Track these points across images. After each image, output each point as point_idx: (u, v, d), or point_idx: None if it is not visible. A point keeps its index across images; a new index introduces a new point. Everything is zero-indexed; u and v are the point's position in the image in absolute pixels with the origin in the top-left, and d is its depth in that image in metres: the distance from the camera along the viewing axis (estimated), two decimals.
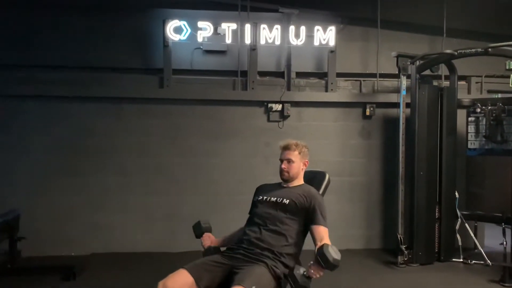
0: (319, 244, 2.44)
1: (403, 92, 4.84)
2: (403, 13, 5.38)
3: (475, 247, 4.96)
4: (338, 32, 5.34)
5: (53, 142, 5.07)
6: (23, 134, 5.03)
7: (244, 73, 5.29)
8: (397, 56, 4.77)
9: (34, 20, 5.04)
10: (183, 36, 5.09)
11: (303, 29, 5.21)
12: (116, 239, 5.14)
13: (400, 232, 4.80)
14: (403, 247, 4.71)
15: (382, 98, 5.43)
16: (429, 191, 4.87)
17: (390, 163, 5.33)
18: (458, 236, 4.99)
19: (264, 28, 5.18)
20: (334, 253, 2.22)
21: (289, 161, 2.78)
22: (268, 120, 5.37)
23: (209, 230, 2.83)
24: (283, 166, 2.78)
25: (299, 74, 5.44)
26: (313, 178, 2.97)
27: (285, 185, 2.81)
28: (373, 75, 5.49)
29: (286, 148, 2.81)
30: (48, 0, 5.00)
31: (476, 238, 4.96)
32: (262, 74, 5.41)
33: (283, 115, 5.35)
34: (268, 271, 2.33)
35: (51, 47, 5.03)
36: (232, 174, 5.29)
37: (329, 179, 2.99)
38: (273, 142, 5.39)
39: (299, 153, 2.81)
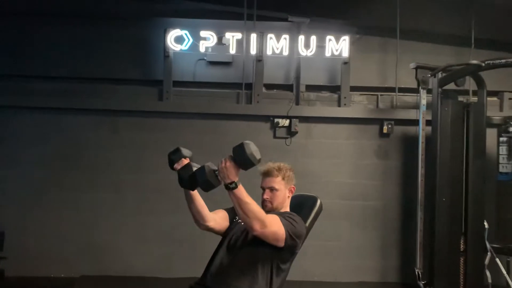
0: None
1: (423, 108, 4.32)
2: (425, 22, 4.88)
3: (508, 285, 4.32)
4: (353, 43, 4.91)
5: (45, 155, 4.84)
6: (15, 146, 4.83)
7: (249, 86, 4.93)
8: (416, 68, 4.28)
9: (29, 29, 4.88)
10: (184, 46, 4.79)
11: (313, 39, 4.81)
12: (108, 261, 4.81)
13: (418, 266, 4.23)
14: (421, 283, 4.14)
15: (401, 115, 4.93)
16: (452, 220, 4.28)
17: (410, 187, 4.76)
18: (487, 272, 4.36)
19: (271, 38, 4.81)
20: (253, 149, 1.91)
21: (272, 189, 2.32)
22: (274, 136, 4.96)
23: (188, 156, 2.25)
24: (265, 196, 2.32)
25: (309, 87, 5.03)
26: (301, 204, 2.52)
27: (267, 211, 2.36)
28: (391, 89, 5.00)
29: (266, 174, 2.34)
30: (44, 9, 4.82)
31: (508, 275, 4.32)
32: (269, 87, 5.03)
33: (290, 132, 4.92)
34: None
35: (46, 57, 4.85)
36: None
37: (320, 206, 2.53)
38: (279, 160, 4.94)
39: (283, 179, 2.35)
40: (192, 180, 2.07)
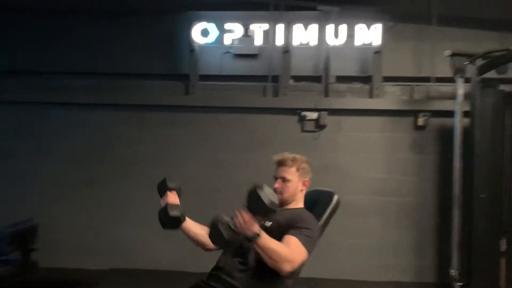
0: None
1: (460, 98, 4.03)
2: (463, 6, 4.55)
3: None
4: (386, 31, 4.66)
5: (76, 150, 4.95)
6: (46, 141, 4.96)
7: (276, 78, 4.80)
8: (452, 55, 3.98)
9: (59, 27, 4.98)
10: (210, 39, 4.73)
11: (343, 27, 4.61)
12: (137, 255, 4.86)
13: (454, 267, 3.97)
14: (457, 285, 3.88)
15: (437, 106, 4.64)
16: (492, 218, 3.99)
17: (447, 182, 4.44)
18: None
19: (298, 28, 4.66)
20: (270, 193, 1.72)
21: (284, 179, 2.23)
22: (302, 130, 4.81)
23: (175, 188, 2.26)
24: (275, 185, 2.23)
25: (339, 79, 4.82)
26: (316, 200, 2.39)
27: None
28: (427, 79, 4.72)
29: (280, 163, 2.26)
30: (73, 7, 4.90)
31: None
32: (297, 79, 4.87)
33: (318, 125, 4.75)
34: None
35: (76, 53, 4.94)
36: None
37: (337, 202, 2.37)
38: (306, 155, 4.78)
39: (297, 170, 2.25)
40: (170, 222, 2.04)
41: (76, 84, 4.95)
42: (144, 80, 4.93)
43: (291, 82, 4.83)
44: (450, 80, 4.40)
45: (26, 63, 4.96)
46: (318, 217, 2.27)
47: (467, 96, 4.12)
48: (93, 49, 4.92)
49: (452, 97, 4.35)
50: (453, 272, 3.93)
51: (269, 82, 4.79)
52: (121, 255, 4.85)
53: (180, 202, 2.23)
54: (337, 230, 4.77)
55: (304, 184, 2.27)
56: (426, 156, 4.73)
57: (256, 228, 1.76)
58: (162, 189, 2.22)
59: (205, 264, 4.91)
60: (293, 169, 2.23)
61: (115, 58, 4.91)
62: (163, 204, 2.13)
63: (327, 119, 4.73)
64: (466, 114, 4.12)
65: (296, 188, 2.23)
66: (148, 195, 4.90)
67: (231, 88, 4.86)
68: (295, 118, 4.81)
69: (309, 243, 1.97)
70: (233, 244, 1.81)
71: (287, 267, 1.84)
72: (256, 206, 1.72)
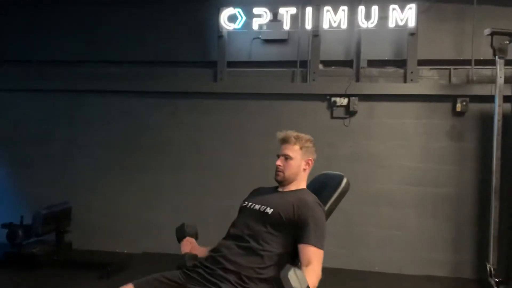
0: (303, 269, 1.79)
1: (500, 81, 3.74)
2: None
3: None
4: (421, 11, 4.40)
5: (111, 137, 5.07)
6: (84, 127, 5.13)
7: (304, 64, 4.67)
8: (492, 34, 3.71)
9: (93, 16, 5.10)
10: (237, 25, 4.68)
11: (375, 9, 4.40)
12: (168, 239, 4.87)
13: (491, 262, 3.71)
14: (493, 280, 3.63)
15: (478, 90, 4.32)
16: None
17: (488, 171, 4.16)
18: None
19: (328, 11, 4.50)
20: (295, 282, 1.59)
21: (286, 157, 2.17)
22: (332, 116, 4.66)
23: (192, 234, 2.35)
24: (278, 162, 2.18)
25: (371, 63, 4.61)
26: (324, 184, 2.29)
27: (279, 189, 2.19)
28: (466, 62, 4.41)
29: (283, 141, 2.20)
30: None
31: None
32: (326, 63, 4.71)
33: (349, 111, 4.58)
34: None
35: (109, 43, 5.05)
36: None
37: (346, 185, 2.24)
38: (337, 143, 4.69)
39: (300, 148, 2.17)
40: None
41: (109, 72, 5.06)
42: (174, 67, 4.95)
43: (321, 67, 4.68)
44: (491, 62, 4.12)
45: (63, 53, 5.14)
46: (326, 200, 2.17)
47: (508, 79, 3.83)
48: (125, 38, 5.02)
49: (493, 80, 4.05)
50: (490, 266, 3.69)
51: (298, 68, 4.68)
52: (152, 239, 4.94)
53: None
54: (370, 221, 4.62)
55: (307, 164, 2.18)
56: (465, 144, 4.44)
57: None
58: (181, 234, 2.34)
59: None
60: (296, 147, 2.16)
61: (145, 46, 4.98)
62: (182, 252, 2.21)
63: (358, 105, 4.55)
64: (507, 98, 3.84)
65: (298, 167, 2.15)
66: (178, 180, 5.01)
67: (260, 74, 4.80)
68: (324, 104, 4.67)
69: (322, 240, 1.94)
70: None
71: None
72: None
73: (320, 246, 1.91)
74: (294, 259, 2.00)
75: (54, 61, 5.19)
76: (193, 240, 2.29)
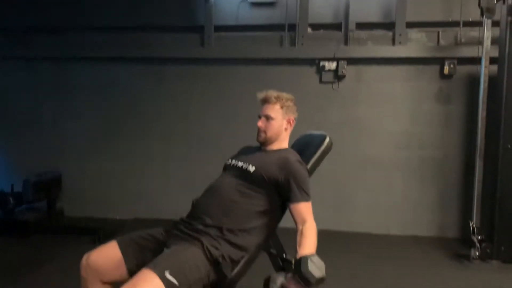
0: (300, 228, 1.93)
1: (487, 42, 3.73)
2: None
3: None
4: None
5: (100, 105, 5.04)
6: (71, 95, 5.08)
7: (292, 27, 4.61)
8: None
9: None
10: None
11: None
12: (158, 206, 4.99)
13: (474, 220, 3.80)
14: (475, 238, 3.72)
15: (466, 52, 4.30)
16: None
17: (475, 134, 4.21)
18: None
19: None
20: (316, 269, 1.76)
21: (268, 117, 2.17)
22: (320, 81, 4.64)
23: None
24: (259, 123, 2.19)
25: (360, 26, 4.56)
26: (308, 143, 2.31)
27: (263, 148, 2.21)
28: (455, 24, 4.38)
29: (264, 101, 2.20)
30: None
31: None
32: (315, 27, 4.66)
33: (337, 75, 4.57)
34: (202, 252, 1.79)
35: (95, 9, 4.93)
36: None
37: (328, 144, 2.27)
38: (325, 107, 4.69)
39: (281, 108, 2.18)
40: None
41: (96, 39, 4.97)
42: (161, 33, 4.87)
43: (309, 30, 4.63)
44: (479, 24, 4.09)
45: (49, 20, 5.03)
46: (308, 159, 2.20)
47: (495, 40, 3.82)
48: (111, 4, 4.89)
49: (481, 42, 4.03)
50: (473, 225, 3.78)
51: (286, 31, 4.62)
52: (143, 205, 5.01)
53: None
54: (358, 184, 4.69)
55: (289, 123, 2.20)
56: (452, 106, 4.47)
57: None
58: None
59: None
60: (277, 106, 2.16)
61: (131, 11, 4.86)
62: None
63: (346, 69, 4.53)
64: (494, 60, 3.83)
65: (280, 126, 2.17)
66: (168, 148, 5.02)
67: (247, 39, 4.74)
68: (313, 69, 4.65)
69: (309, 193, 2.02)
70: None
71: None
72: (306, 283, 1.76)
73: (308, 199, 1.99)
74: (277, 213, 2.03)
75: (39, 28, 5.08)
76: None
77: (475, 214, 3.83)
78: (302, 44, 4.60)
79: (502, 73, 3.74)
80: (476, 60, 4.05)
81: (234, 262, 1.85)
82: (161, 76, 4.92)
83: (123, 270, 1.87)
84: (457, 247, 4.15)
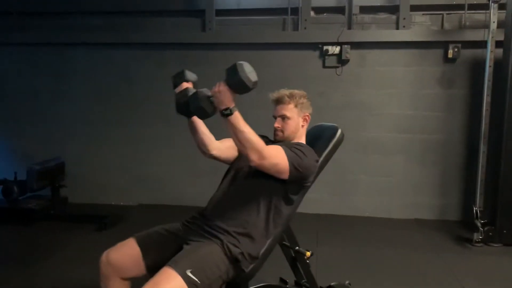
0: None
1: (493, 26, 3.71)
2: None
3: None
4: None
5: (100, 90, 4.99)
6: (70, 81, 5.02)
7: (295, 11, 4.55)
8: None
9: None
10: None
11: None
12: (163, 191, 5.01)
13: (478, 204, 3.85)
14: (479, 222, 3.78)
15: (470, 36, 4.28)
16: None
17: (477, 118, 4.21)
18: None
19: None
20: (248, 70, 1.72)
21: (283, 117, 2.16)
22: (324, 66, 4.61)
23: (192, 80, 2.15)
24: (276, 124, 2.18)
25: (364, 9, 4.51)
26: (319, 135, 2.30)
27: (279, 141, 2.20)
28: (460, 7, 4.34)
29: (278, 101, 2.18)
30: None
31: None
32: (318, 10, 4.61)
33: (341, 60, 4.53)
34: (222, 250, 1.81)
35: None
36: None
37: (340, 136, 2.27)
38: (328, 92, 4.67)
39: (296, 106, 2.16)
40: (187, 106, 1.95)
41: (94, 24, 4.89)
42: (161, 17, 4.80)
43: (312, 14, 4.58)
44: (484, 7, 4.07)
45: (44, 4, 4.93)
46: (320, 151, 2.20)
47: (501, 24, 3.79)
48: None
49: (486, 25, 4.00)
50: (476, 209, 3.83)
51: (289, 15, 4.56)
52: (147, 191, 5.02)
53: None
54: (360, 168, 4.72)
55: (304, 120, 2.18)
56: (455, 91, 4.47)
57: (231, 103, 1.73)
58: (179, 79, 2.14)
59: None
60: (291, 105, 2.14)
61: None
62: (179, 90, 2.06)
63: (350, 53, 4.50)
64: (499, 44, 3.82)
65: (296, 125, 2.16)
66: (170, 132, 5.00)
67: (249, 23, 4.67)
68: (316, 53, 4.60)
69: (293, 158, 1.92)
70: (206, 114, 1.83)
71: (254, 157, 1.79)
72: (231, 78, 1.71)
73: (289, 155, 1.91)
74: (291, 203, 2.03)
75: (35, 12, 4.98)
76: (192, 86, 2.12)
77: (478, 198, 3.88)
78: (305, 28, 4.54)
79: (508, 57, 3.73)
80: (481, 44, 4.03)
81: (253, 258, 1.87)
82: (162, 62, 4.85)
83: (141, 266, 1.88)
84: (459, 230, 4.21)
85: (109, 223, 4.14)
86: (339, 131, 2.27)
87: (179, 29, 4.80)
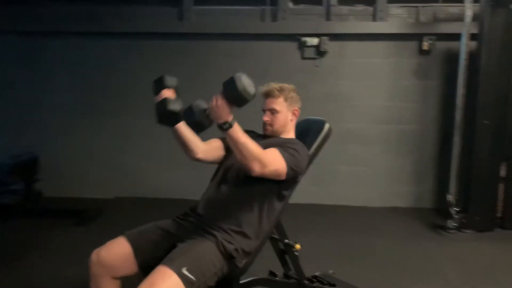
0: None
1: (468, 19, 3.81)
2: None
3: None
4: None
5: (75, 80, 4.86)
6: (46, 71, 4.87)
7: (274, 1, 4.54)
8: None
9: None
10: None
11: None
12: (141, 184, 4.94)
13: (451, 192, 3.99)
14: (452, 209, 3.92)
15: (444, 28, 4.40)
16: (494, 145, 3.93)
17: (451, 109, 4.34)
18: None
19: None
20: (246, 82, 1.64)
21: (273, 111, 2.14)
22: (302, 57, 4.63)
23: (173, 86, 2.07)
24: (265, 118, 2.16)
25: (341, 1, 4.55)
26: (307, 129, 2.32)
27: (269, 135, 2.20)
28: (435, 0, 4.43)
29: (267, 95, 2.16)
30: None
31: None
32: (296, 1, 4.62)
33: (319, 51, 4.57)
34: (216, 247, 1.81)
35: None
36: (259, 120, 4.72)
37: (328, 130, 2.29)
38: (307, 84, 4.70)
39: (285, 100, 2.15)
40: (168, 117, 1.89)
41: (70, 13, 4.74)
42: (138, 5, 4.69)
43: (290, 5, 4.58)
44: (460, 0, 4.16)
45: None
46: (309, 146, 2.22)
47: (476, 17, 3.90)
48: None
49: (460, 18, 4.11)
50: (450, 197, 3.97)
51: (267, 5, 4.54)
52: (125, 184, 4.95)
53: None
54: (339, 159, 4.79)
55: (294, 114, 2.19)
56: (430, 82, 4.59)
57: (229, 117, 1.68)
58: (159, 86, 2.06)
59: (203, 191, 4.99)
60: (281, 99, 2.14)
61: None
62: (159, 99, 1.96)
63: (328, 45, 4.54)
64: (474, 37, 3.93)
65: (286, 119, 2.15)
66: (147, 125, 4.89)
67: (227, 13, 4.64)
68: (294, 44, 4.62)
69: (290, 160, 1.91)
70: (203, 128, 1.75)
71: (256, 167, 1.76)
72: (230, 92, 1.65)
73: (286, 157, 1.90)
74: (282, 200, 2.04)
75: (10, 0, 4.77)
76: (173, 92, 2.06)
77: (452, 187, 4.01)
78: (284, 19, 4.54)
79: (481, 49, 3.85)
80: (455, 36, 4.14)
81: (247, 254, 1.88)
82: (139, 52, 4.77)
83: (133, 265, 1.86)
84: (434, 218, 4.36)
85: (87, 217, 4.06)
86: (327, 125, 2.30)
87: (156, 19, 4.70)
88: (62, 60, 4.85)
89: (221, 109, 1.66)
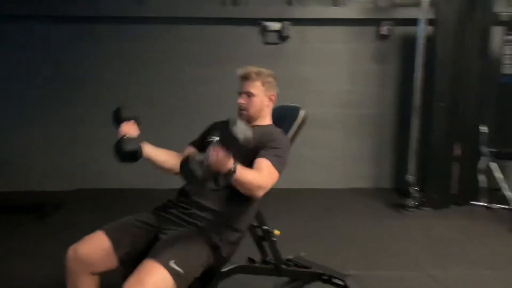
0: None
1: (425, 5, 3.94)
2: None
3: (501, 189, 4.27)
4: None
5: (29, 68, 4.60)
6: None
7: None
8: None
9: None
10: None
11: None
12: (103, 175, 4.78)
13: (411, 172, 4.17)
14: (412, 189, 4.11)
15: (402, 14, 4.52)
16: (449, 126, 4.13)
17: (409, 92, 4.50)
18: (483, 177, 4.28)
19: None
20: (244, 130, 1.61)
21: (249, 94, 2.12)
22: (265, 42, 4.62)
23: (130, 118, 2.03)
24: (240, 100, 2.12)
25: None
26: (283, 116, 2.32)
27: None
28: None
29: (244, 77, 2.12)
30: None
31: (504, 179, 4.25)
32: None
33: (282, 36, 4.57)
34: (202, 238, 1.79)
35: None
36: (221, 105, 4.66)
37: (304, 116, 2.31)
38: (269, 68, 4.64)
39: (262, 84, 2.13)
40: (126, 157, 1.89)
41: None
42: None
43: None
44: None
45: None
46: (285, 132, 2.23)
47: (432, 3, 4.04)
48: None
49: (417, 4, 4.24)
50: (410, 177, 4.15)
51: None
52: (83, 175, 4.78)
53: (139, 130, 2.04)
54: (301, 142, 4.77)
55: (270, 99, 2.17)
56: (388, 66, 4.73)
57: (231, 163, 1.64)
58: (117, 119, 2.01)
59: (166, 180, 4.92)
60: (258, 83, 2.12)
61: None
62: (119, 137, 1.94)
63: (291, 30, 4.55)
64: (431, 22, 4.07)
65: (261, 103, 2.14)
66: (105, 114, 4.68)
67: None
68: (256, 29, 4.59)
69: (280, 164, 1.92)
70: (205, 182, 1.67)
71: (259, 193, 1.80)
72: (229, 143, 1.60)
73: (276, 165, 1.89)
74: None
75: None
76: (132, 124, 2.04)
77: (410, 167, 4.19)
78: (245, 3, 4.49)
79: (437, 34, 4.00)
80: (412, 21, 4.26)
81: (232, 244, 1.88)
82: (96, 36, 4.58)
83: (113, 260, 1.80)
84: (393, 197, 4.54)
85: (48, 211, 3.90)
86: (302, 112, 2.31)
87: (113, 2, 4.50)
88: (14, 45, 4.57)
89: (224, 160, 1.61)
